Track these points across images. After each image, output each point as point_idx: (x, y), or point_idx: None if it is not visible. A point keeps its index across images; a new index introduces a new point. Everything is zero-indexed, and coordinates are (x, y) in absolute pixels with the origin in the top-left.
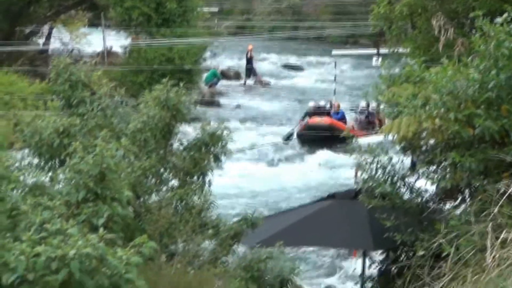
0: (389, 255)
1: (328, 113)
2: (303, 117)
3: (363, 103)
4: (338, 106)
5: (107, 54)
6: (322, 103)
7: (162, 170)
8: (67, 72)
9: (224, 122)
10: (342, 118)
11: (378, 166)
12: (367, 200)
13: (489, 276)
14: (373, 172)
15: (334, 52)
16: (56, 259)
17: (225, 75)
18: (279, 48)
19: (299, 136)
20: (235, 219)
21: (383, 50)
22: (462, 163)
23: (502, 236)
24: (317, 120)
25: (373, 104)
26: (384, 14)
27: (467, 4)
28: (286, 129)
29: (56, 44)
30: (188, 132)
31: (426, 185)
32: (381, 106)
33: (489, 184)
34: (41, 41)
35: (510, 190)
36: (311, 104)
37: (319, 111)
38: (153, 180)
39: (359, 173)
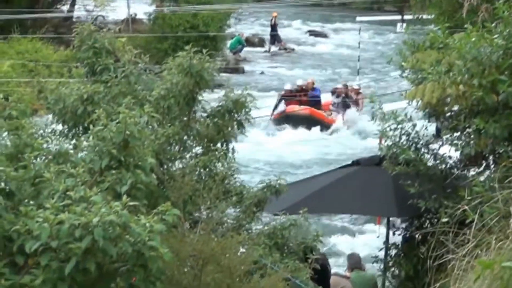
0: (413, 222)
1: (305, 94)
2: (277, 103)
3: (339, 85)
4: (313, 83)
5: (132, 21)
6: (299, 83)
7: (185, 137)
8: (91, 39)
9: (248, 88)
10: (318, 96)
11: (402, 132)
12: (391, 166)
13: None
14: (397, 139)
15: (359, 18)
16: (79, 226)
17: (249, 41)
18: (303, 15)
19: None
20: (259, 186)
21: (407, 16)
22: (486, 129)
23: None
24: (296, 108)
25: (353, 86)
26: None
27: None
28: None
29: (80, 11)
30: (212, 99)
31: (450, 152)
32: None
33: None
34: (65, 8)
35: None
36: (287, 86)
37: (294, 94)
38: (177, 147)
39: (383, 140)
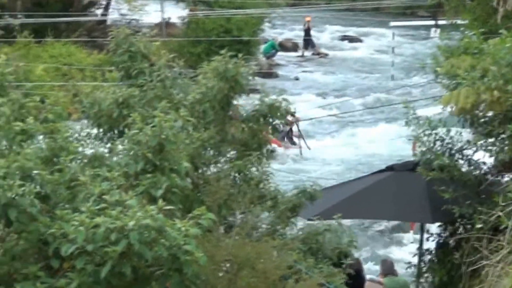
0: (447, 228)
1: None
2: None
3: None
4: None
5: (165, 25)
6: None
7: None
8: (126, 43)
9: (282, 93)
10: None
11: (436, 138)
12: (425, 172)
13: None
14: (431, 144)
15: (392, 23)
16: (115, 230)
17: (283, 46)
18: (337, 20)
19: None
20: (294, 191)
21: (441, 22)
22: None
23: None
24: None
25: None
26: None
27: None
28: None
29: (114, 14)
30: (247, 103)
31: (484, 158)
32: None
33: None
34: (99, 12)
35: None
36: None
37: None
38: (212, 152)
39: (417, 146)
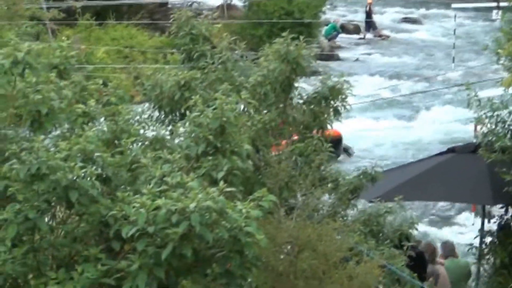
0: (508, 209)
1: None
2: None
3: None
4: None
5: (227, 7)
6: None
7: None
8: (188, 26)
9: (344, 75)
10: None
11: (498, 120)
12: (486, 154)
13: None
14: (493, 126)
15: (454, 5)
16: (176, 212)
17: (344, 28)
18: (398, 1)
19: None
20: (355, 173)
21: (503, 3)
22: None
23: None
24: None
25: None
26: None
27: None
28: (406, 84)
29: None
30: (308, 85)
31: None
32: None
33: None
34: None
35: None
36: None
37: None
38: (273, 134)
39: (478, 127)
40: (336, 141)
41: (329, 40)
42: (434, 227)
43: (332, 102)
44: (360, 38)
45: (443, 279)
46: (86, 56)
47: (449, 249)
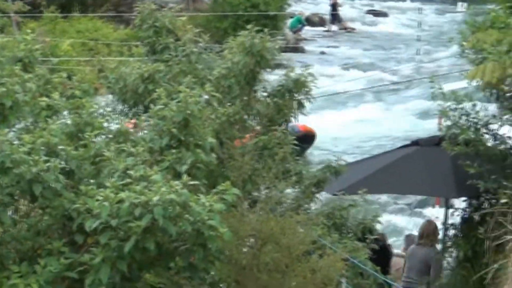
0: (472, 202)
1: None
2: None
3: None
4: None
5: (192, 0)
6: None
7: (246, 116)
8: (151, 18)
9: (308, 68)
10: None
11: (462, 112)
12: (450, 147)
13: None
14: (457, 119)
15: None
16: (139, 205)
17: (309, 21)
18: None
19: None
20: (319, 166)
21: None
22: None
23: None
24: None
25: None
26: None
27: None
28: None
29: None
30: (272, 78)
31: (510, 132)
32: None
33: None
34: None
35: None
36: None
37: None
38: (237, 127)
39: (442, 120)
40: (310, 138)
41: (294, 32)
42: (397, 220)
43: (296, 95)
44: (325, 31)
45: None
46: (51, 49)
47: (413, 242)
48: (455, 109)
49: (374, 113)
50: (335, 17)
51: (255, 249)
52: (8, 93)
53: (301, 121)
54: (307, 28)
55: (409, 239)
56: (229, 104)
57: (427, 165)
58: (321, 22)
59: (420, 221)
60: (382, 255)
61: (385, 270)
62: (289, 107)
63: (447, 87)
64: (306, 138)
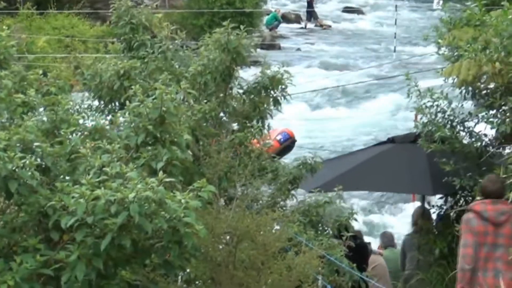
0: (448, 200)
1: None
2: None
3: None
4: None
5: None
6: None
7: (221, 113)
8: (128, 15)
9: (284, 65)
10: None
11: (438, 110)
12: (426, 144)
13: None
14: (433, 116)
15: None
16: (115, 202)
17: (286, 18)
18: None
19: None
20: (294, 164)
21: None
22: None
23: None
24: None
25: None
26: None
27: None
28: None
29: None
30: (249, 75)
31: (485, 129)
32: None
33: None
34: None
35: None
36: None
37: None
38: (213, 124)
39: (418, 117)
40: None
41: (270, 29)
42: (374, 217)
43: (272, 92)
44: (301, 28)
45: (382, 269)
46: (27, 46)
47: (388, 239)
48: (431, 106)
49: (350, 110)
50: (311, 14)
51: (231, 246)
52: None
53: (279, 125)
54: (283, 25)
55: (385, 236)
56: (205, 101)
57: (403, 162)
58: (297, 19)
59: (397, 218)
60: (360, 252)
61: (362, 268)
62: (265, 104)
63: (423, 84)
64: (293, 143)
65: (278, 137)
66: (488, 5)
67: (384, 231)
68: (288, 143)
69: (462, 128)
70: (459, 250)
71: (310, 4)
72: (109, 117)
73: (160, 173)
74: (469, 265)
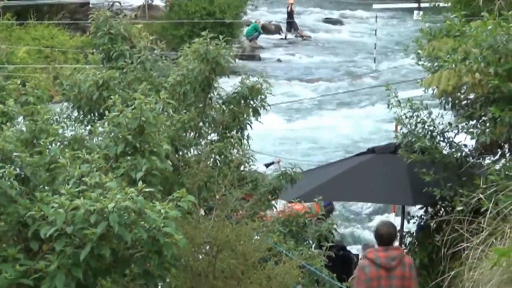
0: (428, 210)
1: None
2: None
3: None
4: None
5: (148, 8)
6: None
7: (201, 123)
8: (106, 25)
9: (264, 75)
10: None
11: (418, 120)
12: (406, 154)
13: None
14: (413, 127)
15: (375, 5)
16: (95, 212)
17: (266, 29)
18: (320, 2)
19: None
20: (274, 174)
21: (424, 4)
22: (502, 118)
23: None
24: None
25: None
26: None
27: None
28: (327, 84)
29: None
30: (228, 85)
31: (465, 140)
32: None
33: None
34: None
35: None
36: None
37: None
38: (192, 134)
39: (398, 128)
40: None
41: (250, 40)
42: (354, 228)
43: (251, 102)
44: (281, 39)
45: None
46: (7, 56)
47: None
48: (411, 117)
49: (331, 121)
50: (291, 25)
51: (211, 256)
52: None
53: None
54: (263, 36)
55: (366, 248)
56: (184, 111)
57: (383, 172)
58: (277, 30)
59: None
60: (344, 263)
61: (342, 278)
62: (245, 114)
63: (403, 95)
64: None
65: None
66: (468, 15)
67: (366, 243)
68: (329, 208)
69: (442, 139)
70: None
71: (290, 15)
72: (88, 127)
73: (140, 183)
74: None
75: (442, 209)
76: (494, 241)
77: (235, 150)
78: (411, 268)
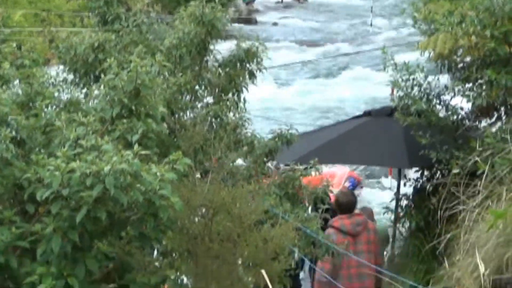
0: (424, 173)
1: None
2: None
3: None
4: None
5: None
6: None
7: (197, 86)
8: None
9: (260, 39)
10: None
11: (414, 83)
12: (402, 117)
13: None
14: (409, 90)
15: None
16: (90, 175)
17: None
18: None
19: None
20: (270, 136)
21: None
22: (498, 81)
23: None
24: None
25: None
26: None
27: None
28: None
29: None
30: (224, 49)
31: (461, 103)
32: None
33: None
34: None
35: None
36: None
37: None
38: (188, 97)
39: (395, 91)
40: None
41: (247, 3)
42: None
43: (247, 65)
44: (278, 2)
45: None
46: (3, 20)
47: (368, 214)
48: (407, 80)
49: (327, 84)
50: None
51: (207, 219)
52: None
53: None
54: None
55: (364, 211)
56: (180, 74)
57: (379, 135)
58: None
59: (374, 192)
60: None
61: None
62: (241, 77)
63: (399, 58)
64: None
65: (347, 184)
66: None
67: (363, 206)
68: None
69: (438, 102)
70: (318, 263)
71: None
72: (84, 90)
73: (136, 146)
74: (325, 278)
75: (439, 171)
76: (491, 203)
77: (231, 113)
78: (376, 232)
